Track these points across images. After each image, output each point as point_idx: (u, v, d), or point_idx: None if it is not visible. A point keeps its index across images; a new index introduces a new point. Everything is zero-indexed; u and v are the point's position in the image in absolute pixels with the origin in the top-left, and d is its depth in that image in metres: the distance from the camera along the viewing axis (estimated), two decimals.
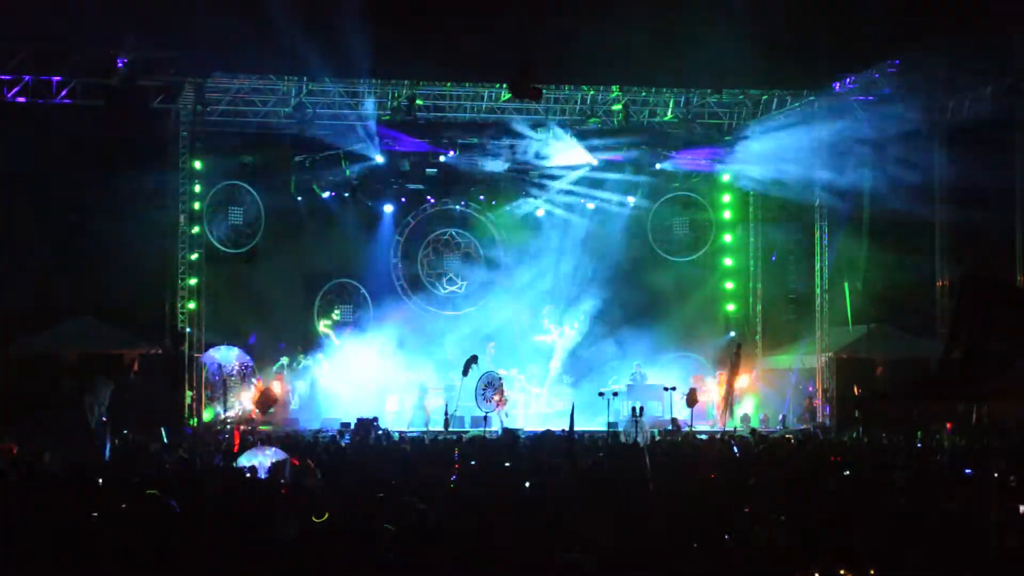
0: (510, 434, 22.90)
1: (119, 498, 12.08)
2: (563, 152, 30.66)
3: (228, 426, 26.42)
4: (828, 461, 16.86)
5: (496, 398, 28.22)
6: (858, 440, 22.81)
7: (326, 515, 11.19)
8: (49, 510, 11.30)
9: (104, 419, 24.02)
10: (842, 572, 8.99)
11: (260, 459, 15.43)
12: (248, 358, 29.09)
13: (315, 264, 31.45)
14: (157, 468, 15.97)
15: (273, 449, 16.35)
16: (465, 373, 27.93)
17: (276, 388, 28.58)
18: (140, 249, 28.42)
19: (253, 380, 29.22)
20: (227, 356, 28.55)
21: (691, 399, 26.88)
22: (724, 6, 26.21)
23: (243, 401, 28.76)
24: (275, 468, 14.55)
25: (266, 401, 27.87)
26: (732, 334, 32.48)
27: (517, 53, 24.47)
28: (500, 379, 28.48)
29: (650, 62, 27.65)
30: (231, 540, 10.21)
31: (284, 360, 29.74)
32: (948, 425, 22.66)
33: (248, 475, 14.41)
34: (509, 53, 25.25)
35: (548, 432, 22.10)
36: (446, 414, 27.55)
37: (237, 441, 19.29)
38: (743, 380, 30.17)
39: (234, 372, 28.76)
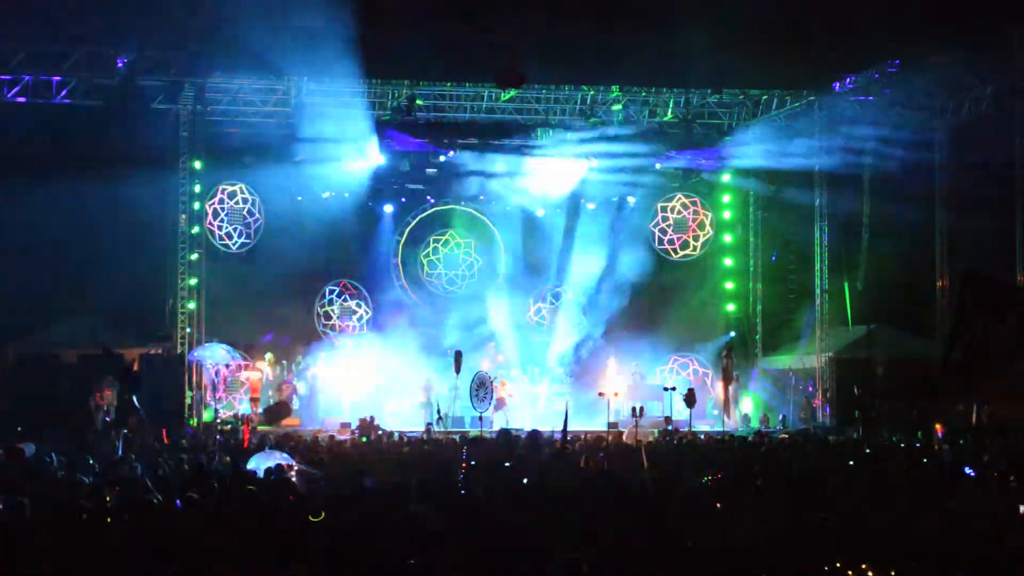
0: (504, 433, 22.88)
1: (119, 497, 12.07)
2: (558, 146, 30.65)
3: (228, 426, 26.44)
4: (828, 461, 16.85)
5: (495, 396, 28.17)
6: (858, 440, 22.79)
7: (322, 515, 11.19)
8: (50, 510, 11.30)
9: (108, 420, 24.15)
10: (847, 572, 9.00)
11: (269, 463, 15.41)
12: (238, 356, 29.00)
13: (315, 264, 31.45)
14: (157, 468, 15.93)
15: (283, 454, 16.33)
16: (457, 371, 27.93)
17: (287, 401, 28.64)
18: (140, 249, 28.44)
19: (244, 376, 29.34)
20: (215, 354, 28.32)
21: (690, 399, 26.84)
22: (724, 6, 26.21)
23: (239, 401, 28.79)
24: (277, 471, 14.55)
25: (277, 414, 27.96)
26: (732, 334, 32.48)
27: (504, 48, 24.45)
28: (493, 378, 28.44)
29: (650, 62, 27.65)
30: (233, 539, 10.21)
31: (270, 356, 29.73)
32: (939, 428, 22.63)
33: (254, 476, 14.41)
34: (506, 52, 25.24)
35: (536, 432, 22.03)
36: (439, 414, 27.56)
37: (247, 439, 19.26)
38: (732, 385, 30.22)
39: (228, 368, 28.68)
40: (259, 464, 15.43)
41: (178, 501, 11.66)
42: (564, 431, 19.29)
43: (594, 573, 8.38)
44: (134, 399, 21.87)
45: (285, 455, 16.32)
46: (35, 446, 17.39)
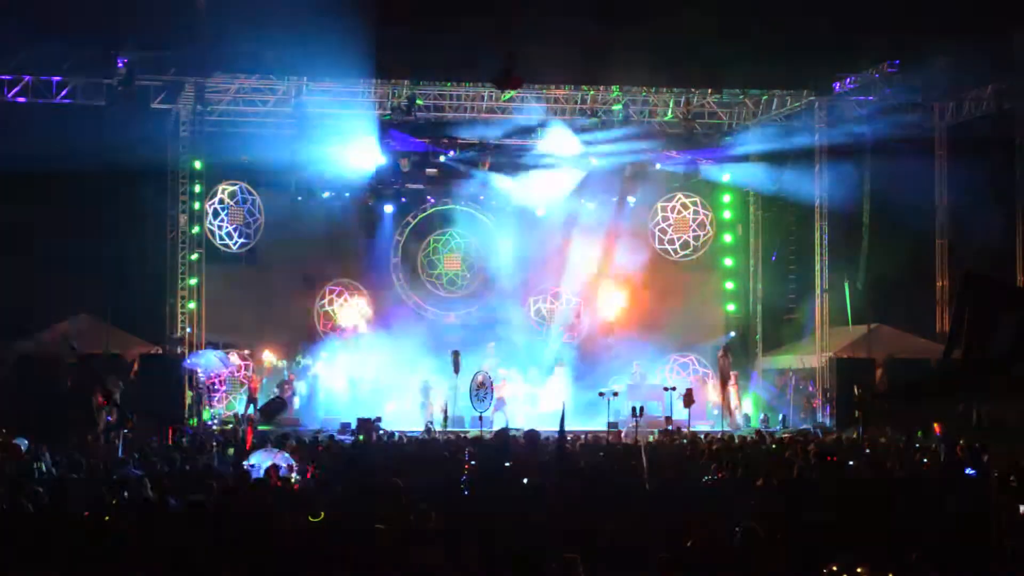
0: (503, 434, 22.87)
1: (119, 497, 12.08)
2: (556, 141, 30.54)
3: (228, 426, 26.45)
4: (828, 461, 16.85)
5: (495, 396, 28.17)
6: (858, 440, 22.80)
7: (322, 515, 11.19)
8: (52, 509, 11.31)
9: (110, 419, 24.16)
10: (846, 573, 8.99)
11: (269, 462, 15.43)
12: (231, 362, 28.84)
13: (315, 264, 31.45)
14: (157, 468, 15.95)
15: (283, 454, 16.35)
16: (456, 371, 28.00)
17: (283, 397, 28.59)
18: (140, 249, 28.42)
19: (243, 380, 29.40)
20: (208, 362, 28.08)
21: (688, 400, 26.85)
22: (724, 6, 26.21)
23: (239, 401, 28.77)
24: (274, 470, 14.56)
25: (273, 409, 27.91)
26: (732, 334, 32.44)
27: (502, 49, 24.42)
28: (492, 378, 28.40)
29: (650, 62, 27.65)
30: (231, 539, 10.21)
31: (269, 355, 29.67)
32: (936, 427, 22.65)
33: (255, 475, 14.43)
34: (504, 54, 25.21)
35: (534, 432, 22.02)
36: (444, 414, 27.59)
37: (249, 439, 19.27)
38: (731, 387, 30.32)
39: (221, 375, 28.51)
40: (259, 462, 15.45)
41: (172, 500, 11.67)
42: (561, 431, 19.26)
43: (592, 573, 8.39)
44: (113, 396, 21.91)
45: (285, 454, 16.34)
46: (27, 442, 17.41)
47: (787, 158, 30.30)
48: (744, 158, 31.59)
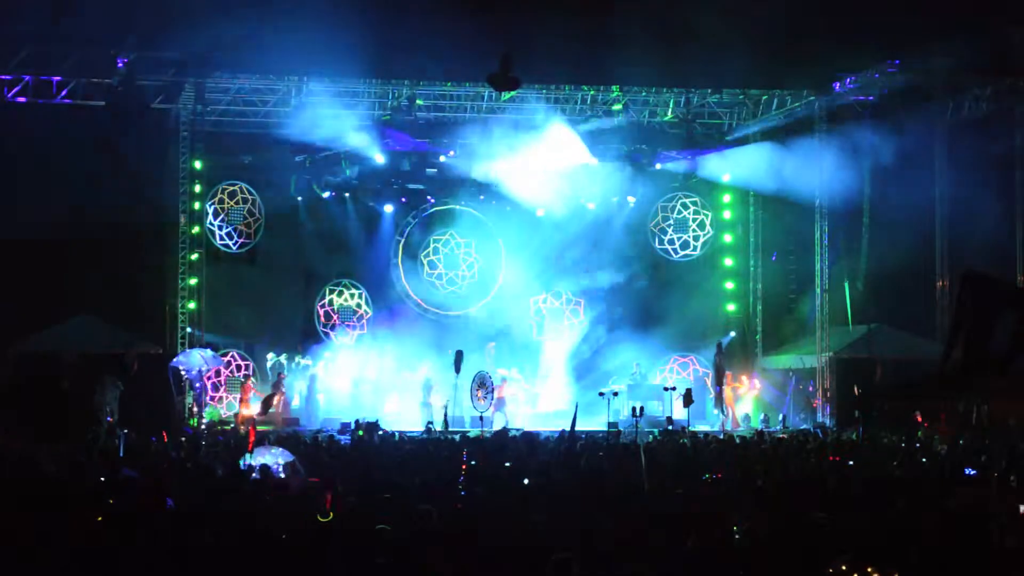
0: (502, 433, 22.90)
1: (118, 497, 12.08)
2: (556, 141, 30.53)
3: (228, 426, 26.46)
4: (828, 461, 16.87)
5: (495, 396, 28.18)
6: (858, 440, 22.81)
7: (331, 515, 11.18)
8: (48, 509, 11.30)
9: (109, 419, 24.21)
10: (847, 573, 8.99)
11: (267, 459, 15.43)
12: (217, 359, 28.77)
13: (315, 264, 31.47)
14: (157, 467, 15.96)
15: (280, 450, 16.35)
16: (458, 370, 27.99)
17: (272, 392, 28.55)
18: (140, 249, 28.43)
19: (240, 380, 29.44)
20: (192, 359, 27.80)
21: (687, 400, 26.87)
22: (724, 6, 26.19)
23: (226, 403, 28.81)
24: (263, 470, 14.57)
25: (263, 405, 27.91)
26: (732, 334, 32.44)
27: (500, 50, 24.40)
28: (492, 379, 28.43)
29: (650, 62, 27.63)
30: (230, 539, 10.21)
31: (278, 358, 29.65)
32: (942, 429, 22.66)
33: (253, 475, 14.44)
34: (500, 55, 25.20)
35: (531, 433, 22.01)
36: (445, 414, 27.60)
37: (252, 440, 19.27)
38: (739, 381, 30.36)
39: (203, 374, 28.43)
40: (259, 463, 15.45)
41: (169, 500, 11.68)
42: (572, 430, 19.29)
43: (588, 572, 8.39)
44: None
45: (286, 452, 16.33)
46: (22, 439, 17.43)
47: (790, 131, 30.20)
48: (743, 139, 31.52)
